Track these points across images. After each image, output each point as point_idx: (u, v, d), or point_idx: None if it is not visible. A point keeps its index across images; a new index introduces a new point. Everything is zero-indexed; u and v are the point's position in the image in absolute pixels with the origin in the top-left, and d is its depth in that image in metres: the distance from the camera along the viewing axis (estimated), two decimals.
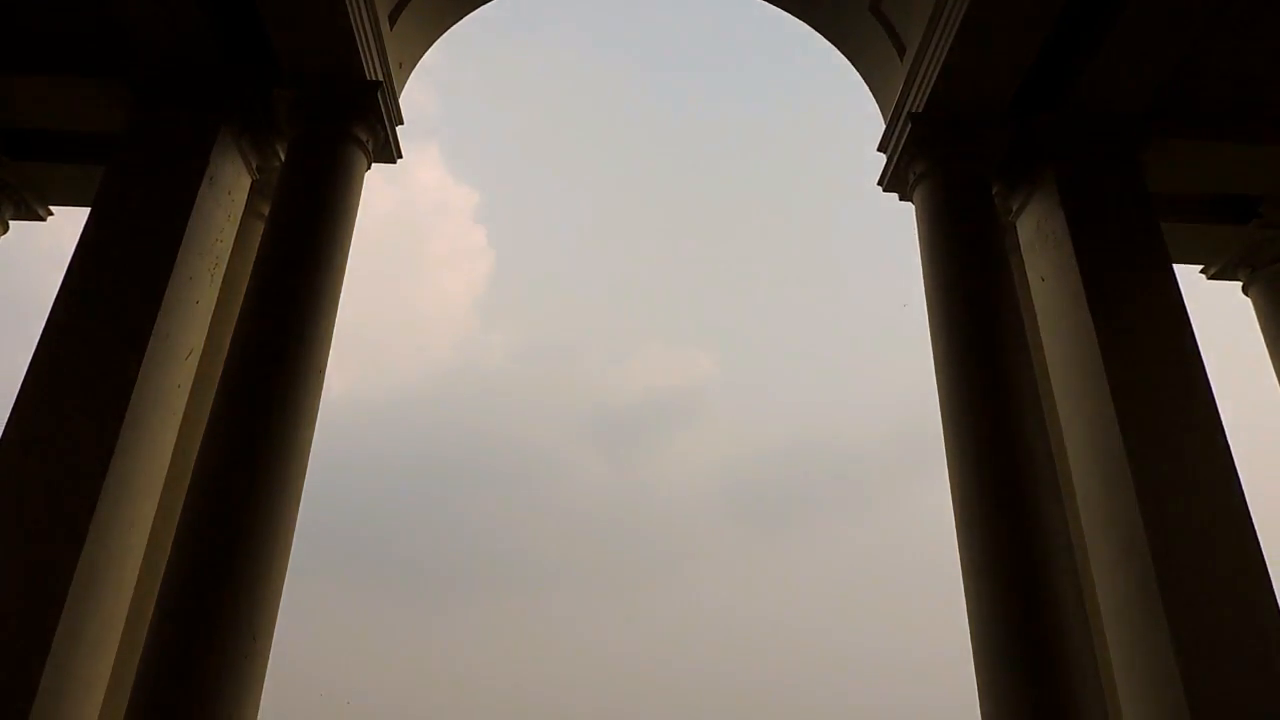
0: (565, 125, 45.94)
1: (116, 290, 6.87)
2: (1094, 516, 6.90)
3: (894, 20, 8.73)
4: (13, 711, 5.27)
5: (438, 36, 9.70)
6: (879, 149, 9.22)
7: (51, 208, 9.72)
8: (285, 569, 6.46)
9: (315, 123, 8.18)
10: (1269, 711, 5.72)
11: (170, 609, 5.88)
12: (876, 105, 9.72)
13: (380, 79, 8.36)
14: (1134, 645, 6.24)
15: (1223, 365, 7.79)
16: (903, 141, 8.61)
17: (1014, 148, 8.49)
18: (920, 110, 8.40)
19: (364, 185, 8.44)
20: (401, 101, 9.06)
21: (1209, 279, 10.30)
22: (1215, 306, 10.24)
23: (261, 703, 6.06)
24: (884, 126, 9.26)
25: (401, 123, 8.95)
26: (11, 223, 9.54)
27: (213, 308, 7.67)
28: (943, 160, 8.36)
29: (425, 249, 44.96)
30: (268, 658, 6.15)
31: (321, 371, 7.24)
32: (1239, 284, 10.13)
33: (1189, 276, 10.17)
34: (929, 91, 8.19)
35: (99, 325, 6.70)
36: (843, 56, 9.88)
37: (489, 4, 9.57)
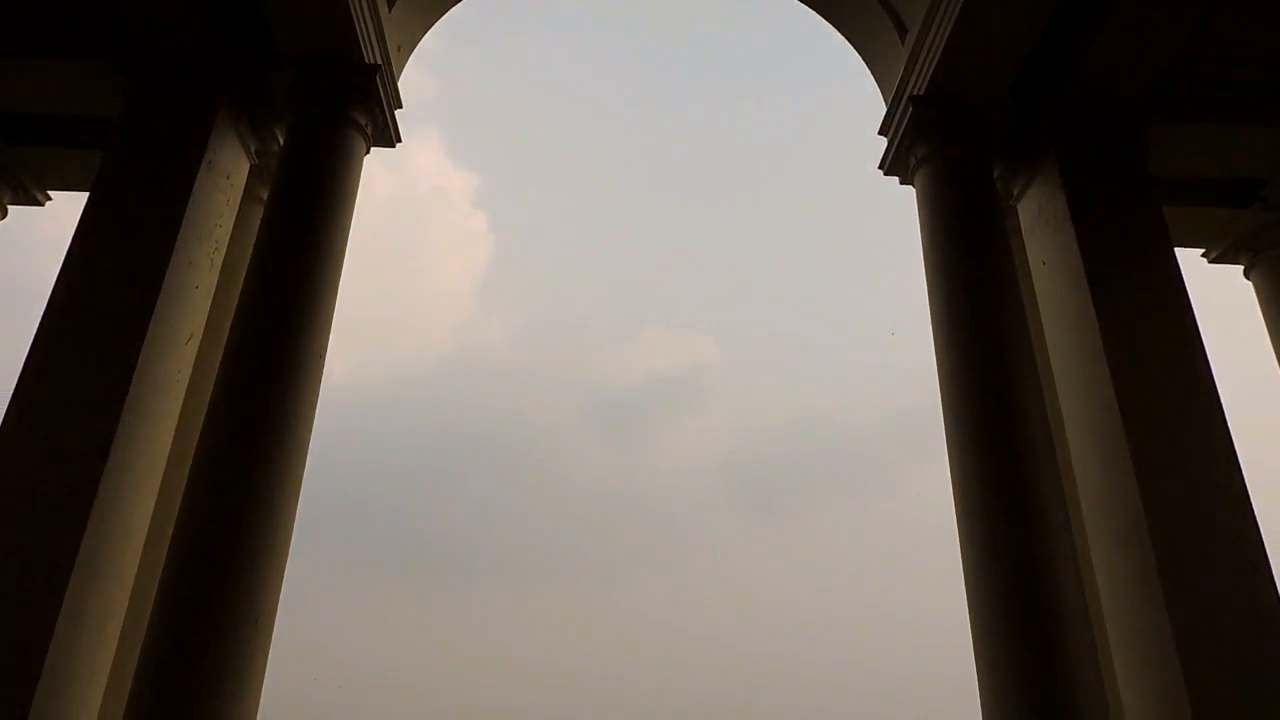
0: (565, 108, 45.78)
1: (116, 275, 6.85)
2: (1094, 500, 6.91)
3: (895, 1, 8.67)
4: (17, 695, 5.29)
5: (436, 19, 9.64)
6: (880, 132, 9.18)
7: (50, 192, 9.70)
8: (287, 552, 6.48)
9: (314, 106, 8.13)
10: (1267, 693, 5.75)
11: (173, 592, 5.90)
12: (878, 89, 9.68)
13: (379, 62, 8.31)
14: (1133, 627, 6.27)
15: (1223, 349, 7.79)
16: (904, 124, 8.56)
17: (1015, 131, 8.45)
18: (922, 93, 8.35)
19: (363, 169, 8.41)
20: (400, 85, 9.02)
21: (1210, 263, 10.28)
22: (1216, 291, 10.24)
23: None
24: (885, 110, 9.22)
25: (400, 106, 8.91)
26: (10, 208, 9.53)
27: (212, 292, 7.65)
28: (944, 143, 8.32)
29: (425, 234, 44.91)
30: (270, 639, 6.18)
31: (322, 356, 7.23)
32: (1240, 268, 10.12)
33: (1190, 260, 10.17)
34: (930, 74, 8.14)
35: (99, 310, 6.69)
36: (844, 40, 9.83)
37: None
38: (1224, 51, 8.49)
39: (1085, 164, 8.03)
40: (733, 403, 39.74)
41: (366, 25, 7.99)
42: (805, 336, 41.04)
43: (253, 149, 8.43)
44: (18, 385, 6.35)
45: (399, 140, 8.97)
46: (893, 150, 8.91)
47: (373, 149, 8.66)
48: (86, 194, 7.32)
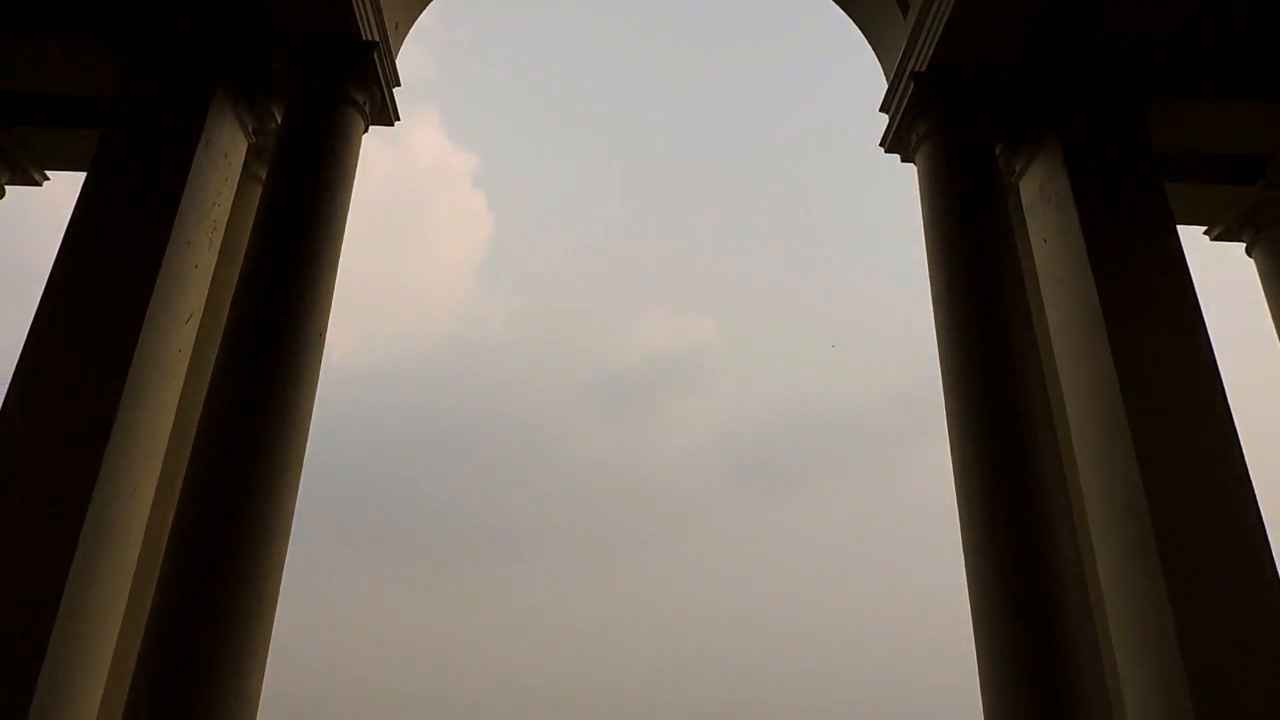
0: (565, 88, 45.51)
1: (115, 255, 6.85)
2: (1094, 476, 6.93)
3: None
4: (20, 675, 5.34)
5: None
6: (881, 109, 9.13)
7: (48, 172, 9.66)
8: (289, 531, 6.50)
9: (311, 84, 8.09)
10: (1265, 668, 5.79)
11: (175, 570, 5.93)
12: (880, 66, 9.62)
13: (376, 40, 8.25)
14: (1132, 604, 6.30)
15: (1225, 326, 7.78)
16: (905, 102, 8.52)
17: (1017, 108, 8.41)
18: (923, 69, 8.30)
19: (362, 148, 8.38)
20: (398, 64, 8.96)
21: (1212, 240, 10.25)
22: (1218, 268, 10.22)
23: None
24: (886, 87, 9.16)
25: (398, 84, 8.86)
26: (8, 188, 9.49)
27: (211, 272, 7.65)
28: (945, 121, 8.27)
29: (424, 214, 44.74)
30: (273, 617, 6.22)
31: (322, 335, 7.23)
32: (1243, 245, 10.09)
33: (1192, 238, 10.13)
34: (932, 51, 8.09)
35: (98, 290, 6.69)
36: (846, 17, 9.76)
37: None
38: (1226, 28, 8.43)
39: (1087, 141, 7.99)
40: (732, 383, 39.78)
41: (364, 2, 7.92)
42: (806, 315, 40.95)
43: (251, 128, 8.39)
44: (18, 366, 6.36)
45: (397, 119, 8.93)
46: (894, 127, 8.87)
47: (371, 127, 8.62)
48: (84, 174, 7.30)
